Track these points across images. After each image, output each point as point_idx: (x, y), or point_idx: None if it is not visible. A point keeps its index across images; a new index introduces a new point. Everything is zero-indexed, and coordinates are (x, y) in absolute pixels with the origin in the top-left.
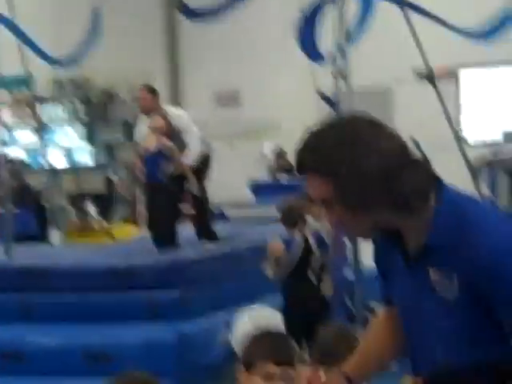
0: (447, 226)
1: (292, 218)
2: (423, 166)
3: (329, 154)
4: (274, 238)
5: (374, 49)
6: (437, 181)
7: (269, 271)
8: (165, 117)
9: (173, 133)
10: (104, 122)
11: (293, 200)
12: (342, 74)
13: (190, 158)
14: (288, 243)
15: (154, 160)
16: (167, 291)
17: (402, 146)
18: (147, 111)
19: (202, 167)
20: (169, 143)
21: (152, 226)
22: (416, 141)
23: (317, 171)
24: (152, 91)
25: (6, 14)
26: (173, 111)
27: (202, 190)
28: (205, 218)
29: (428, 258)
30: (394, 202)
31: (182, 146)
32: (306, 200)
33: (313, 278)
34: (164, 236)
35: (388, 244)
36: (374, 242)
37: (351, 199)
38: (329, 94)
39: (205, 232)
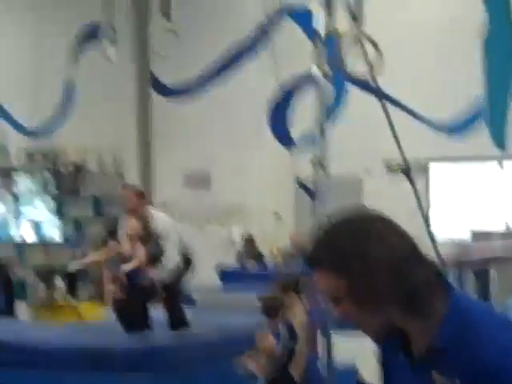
0: (453, 333)
1: (275, 308)
2: (433, 267)
3: (341, 250)
4: (262, 328)
5: (344, 137)
6: (446, 284)
7: (253, 366)
8: (145, 220)
9: (150, 238)
10: (74, 196)
11: (274, 290)
12: (321, 162)
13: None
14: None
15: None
16: (139, 375)
17: (413, 245)
18: (131, 212)
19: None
20: (140, 251)
21: (123, 307)
22: (301, 183)
23: (328, 266)
24: (139, 194)
25: None
26: (155, 215)
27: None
28: (176, 303)
29: (432, 360)
30: (403, 301)
31: (159, 251)
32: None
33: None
34: (135, 318)
35: (393, 344)
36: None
37: (361, 295)
38: (306, 181)
39: (176, 317)
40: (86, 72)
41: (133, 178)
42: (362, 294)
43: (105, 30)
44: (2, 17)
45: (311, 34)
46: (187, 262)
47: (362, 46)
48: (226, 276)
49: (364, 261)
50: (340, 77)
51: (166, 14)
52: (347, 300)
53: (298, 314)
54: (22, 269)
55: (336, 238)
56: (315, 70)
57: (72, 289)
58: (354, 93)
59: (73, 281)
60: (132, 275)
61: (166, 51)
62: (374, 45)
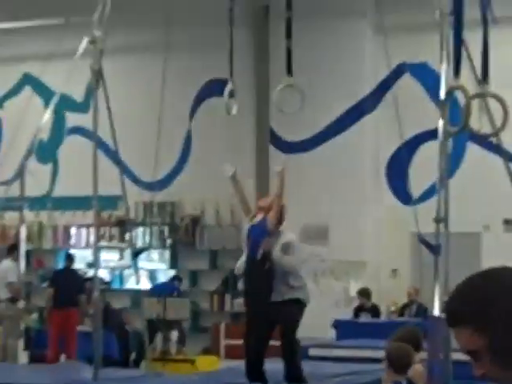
0: None
1: (404, 363)
2: None
3: (482, 306)
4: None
5: (464, 193)
6: None
7: None
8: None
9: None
10: (190, 248)
11: (402, 343)
12: (442, 219)
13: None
14: None
15: None
16: None
17: None
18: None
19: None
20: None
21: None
22: (423, 239)
23: (469, 322)
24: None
25: (107, 141)
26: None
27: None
28: (295, 358)
29: None
30: None
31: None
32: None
33: None
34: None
35: None
36: None
37: (503, 352)
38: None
39: (293, 372)
40: (205, 123)
41: None
42: (502, 350)
43: (229, 86)
44: (128, 64)
45: (434, 91)
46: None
47: (487, 104)
48: (342, 329)
49: (505, 316)
50: (463, 134)
51: (289, 70)
52: (488, 356)
53: (417, 369)
54: (136, 318)
55: (475, 293)
56: (438, 127)
57: (182, 340)
58: (474, 150)
59: (188, 331)
60: None
61: (287, 107)
62: (501, 103)
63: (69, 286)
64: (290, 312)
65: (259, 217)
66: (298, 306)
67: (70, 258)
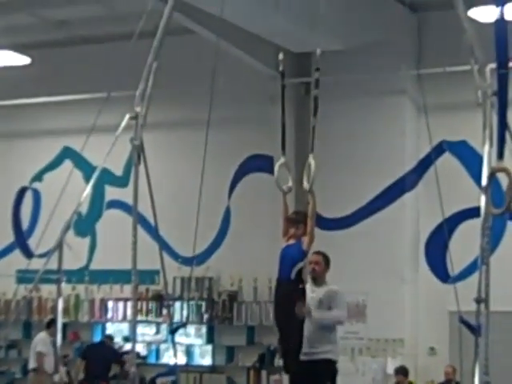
0: None
1: None
2: None
3: None
4: None
5: (503, 272)
6: None
7: None
8: None
9: None
10: (227, 323)
11: None
12: (484, 299)
13: None
14: None
15: None
16: None
17: None
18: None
19: None
20: None
21: None
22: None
23: None
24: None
25: (146, 215)
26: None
27: None
28: None
29: None
30: None
31: None
32: None
33: None
34: None
35: None
36: None
37: None
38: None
39: None
40: (244, 199)
41: None
42: None
43: (279, 161)
44: (168, 139)
45: (473, 168)
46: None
47: None
48: None
49: None
50: (504, 214)
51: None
52: None
53: None
54: None
55: None
56: (481, 209)
57: None
58: None
59: None
60: None
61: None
62: None
63: (101, 360)
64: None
65: (291, 241)
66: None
67: (109, 337)
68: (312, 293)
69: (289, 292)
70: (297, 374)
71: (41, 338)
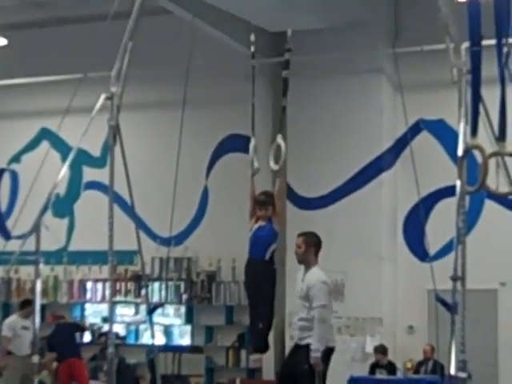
0: None
1: None
2: None
3: None
4: None
5: (480, 250)
6: None
7: None
8: None
9: None
10: (205, 303)
11: None
12: (460, 277)
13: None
14: None
15: None
16: None
17: None
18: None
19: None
20: None
21: None
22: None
23: None
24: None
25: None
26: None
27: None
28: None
29: None
30: None
31: None
32: None
33: None
34: None
35: None
36: None
37: None
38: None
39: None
40: (221, 180)
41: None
42: None
43: (252, 141)
44: (144, 119)
45: (451, 148)
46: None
47: (504, 162)
48: None
49: None
50: (480, 192)
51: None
52: None
53: None
54: (150, 373)
55: None
56: (456, 186)
57: None
58: (492, 206)
59: None
60: None
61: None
62: None
63: (66, 341)
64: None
65: (261, 222)
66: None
67: (61, 317)
68: (301, 282)
69: (262, 272)
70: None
71: (9, 322)
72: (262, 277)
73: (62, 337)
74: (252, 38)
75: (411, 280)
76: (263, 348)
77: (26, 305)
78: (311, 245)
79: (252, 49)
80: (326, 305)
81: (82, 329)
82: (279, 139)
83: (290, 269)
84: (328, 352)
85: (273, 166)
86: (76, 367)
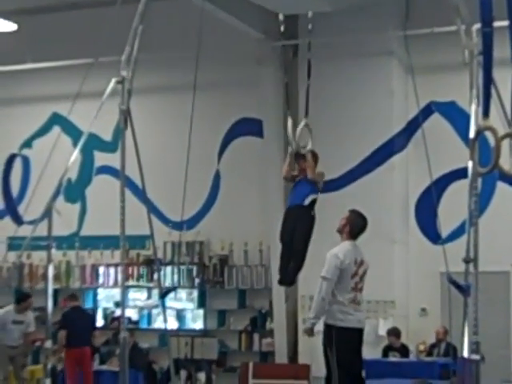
0: None
1: None
2: None
3: None
4: None
5: (492, 232)
6: None
7: None
8: None
9: None
10: (218, 287)
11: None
12: (472, 259)
13: None
14: None
15: None
16: None
17: None
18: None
19: None
20: None
21: None
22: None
23: None
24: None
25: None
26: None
27: None
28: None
29: None
30: None
31: None
32: None
33: None
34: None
35: None
36: None
37: None
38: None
39: None
40: (233, 163)
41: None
42: None
43: (262, 126)
44: (156, 103)
45: (463, 130)
46: None
47: None
48: (371, 369)
49: None
50: (492, 174)
51: (306, 112)
52: None
53: None
54: (164, 357)
55: None
56: (468, 168)
57: (210, 380)
58: (504, 188)
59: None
60: None
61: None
62: None
63: (80, 326)
64: None
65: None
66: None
67: (74, 297)
68: None
69: (299, 214)
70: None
71: (1, 314)
72: (298, 218)
73: (78, 321)
74: (281, 17)
75: (424, 263)
76: (289, 281)
77: (22, 300)
78: (349, 221)
79: (282, 29)
80: (327, 277)
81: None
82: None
83: None
84: (333, 330)
85: (301, 149)
86: (86, 356)
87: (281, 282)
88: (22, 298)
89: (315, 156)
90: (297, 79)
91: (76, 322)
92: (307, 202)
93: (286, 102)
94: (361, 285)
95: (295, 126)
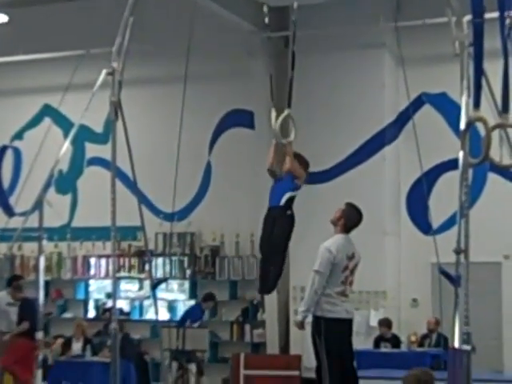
0: None
1: None
2: None
3: None
4: None
5: (484, 223)
6: None
7: None
8: None
9: None
10: (209, 278)
11: (420, 371)
12: (463, 250)
13: None
14: None
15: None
16: None
17: None
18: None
19: None
20: None
21: None
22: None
23: None
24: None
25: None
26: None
27: None
28: None
29: None
30: None
31: None
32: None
33: None
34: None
35: None
36: None
37: None
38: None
39: None
40: (224, 154)
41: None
42: None
43: (253, 118)
44: (147, 95)
45: (454, 121)
46: None
47: (507, 134)
48: (362, 360)
49: None
50: (483, 165)
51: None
52: None
53: None
54: (155, 348)
55: None
56: (459, 157)
57: (201, 371)
58: (495, 179)
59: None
60: None
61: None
62: None
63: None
64: None
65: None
66: None
67: (19, 288)
68: None
69: (276, 216)
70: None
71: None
72: (275, 222)
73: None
74: (265, 9)
75: (415, 254)
76: (268, 290)
77: (14, 280)
78: (344, 215)
79: (266, 20)
80: (320, 271)
81: None
82: (287, 112)
83: (294, 243)
84: (322, 321)
85: (283, 139)
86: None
87: (261, 291)
88: (12, 278)
89: (300, 158)
90: (286, 71)
91: (34, 313)
92: (283, 201)
93: (271, 94)
94: (351, 278)
95: (278, 117)
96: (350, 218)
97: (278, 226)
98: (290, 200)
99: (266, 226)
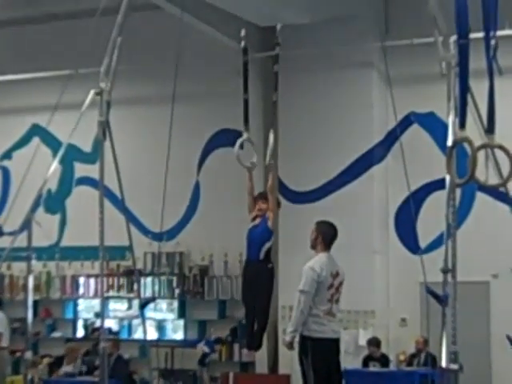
0: None
1: None
2: None
3: None
4: None
5: (471, 242)
6: None
7: None
8: None
9: None
10: (198, 298)
11: None
12: (450, 270)
13: None
14: None
15: None
16: None
17: None
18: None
19: None
20: None
21: None
22: (430, 289)
23: None
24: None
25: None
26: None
27: None
28: None
29: None
30: None
31: None
32: None
33: None
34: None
35: None
36: None
37: None
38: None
39: None
40: (213, 174)
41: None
42: None
43: (242, 137)
44: (135, 115)
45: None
46: None
47: (494, 154)
48: (351, 379)
49: None
50: (471, 184)
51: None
52: None
53: None
54: (144, 367)
55: None
56: (446, 177)
57: None
58: (483, 198)
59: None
60: None
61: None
62: (507, 154)
63: None
64: None
65: (258, 220)
66: None
67: None
68: None
69: (257, 271)
70: None
71: (1, 318)
72: (257, 277)
73: None
74: (243, 33)
75: (403, 273)
76: (256, 346)
77: None
78: (320, 232)
79: (243, 44)
80: (305, 291)
81: None
82: (270, 134)
83: (283, 263)
84: (308, 341)
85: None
86: None
87: (249, 348)
88: None
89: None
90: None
91: None
92: (262, 254)
93: (244, 117)
94: (337, 296)
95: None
96: (326, 233)
97: (261, 282)
98: (269, 251)
99: (247, 281)
